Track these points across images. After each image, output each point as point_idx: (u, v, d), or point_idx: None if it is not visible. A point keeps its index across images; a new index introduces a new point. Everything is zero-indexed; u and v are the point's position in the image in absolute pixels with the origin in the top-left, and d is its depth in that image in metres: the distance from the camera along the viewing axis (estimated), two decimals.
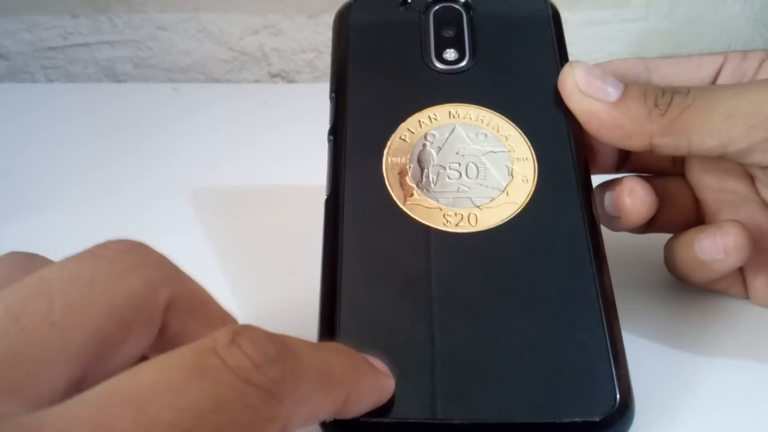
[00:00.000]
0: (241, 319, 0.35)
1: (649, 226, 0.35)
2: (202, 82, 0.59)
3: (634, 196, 0.33)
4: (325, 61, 0.56)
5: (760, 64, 0.35)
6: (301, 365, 0.21)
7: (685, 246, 0.33)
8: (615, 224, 0.34)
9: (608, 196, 0.34)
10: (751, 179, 0.34)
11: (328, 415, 0.23)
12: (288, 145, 0.48)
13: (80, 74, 0.58)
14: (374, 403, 0.25)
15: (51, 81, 0.59)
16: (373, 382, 0.25)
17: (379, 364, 0.26)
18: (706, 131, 0.31)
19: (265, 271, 0.38)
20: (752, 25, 0.56)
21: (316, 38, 0.57)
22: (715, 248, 0.32)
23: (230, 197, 0.44)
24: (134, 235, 0.40)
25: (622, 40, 0.56)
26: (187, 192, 0.44)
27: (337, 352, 0.23)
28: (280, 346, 0.20)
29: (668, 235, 0.35)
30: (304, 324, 0.29)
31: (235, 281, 0.38)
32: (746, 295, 0.35)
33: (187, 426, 0.18)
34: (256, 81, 0.59)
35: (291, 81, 0.59)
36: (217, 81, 0.59)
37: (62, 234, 0.41)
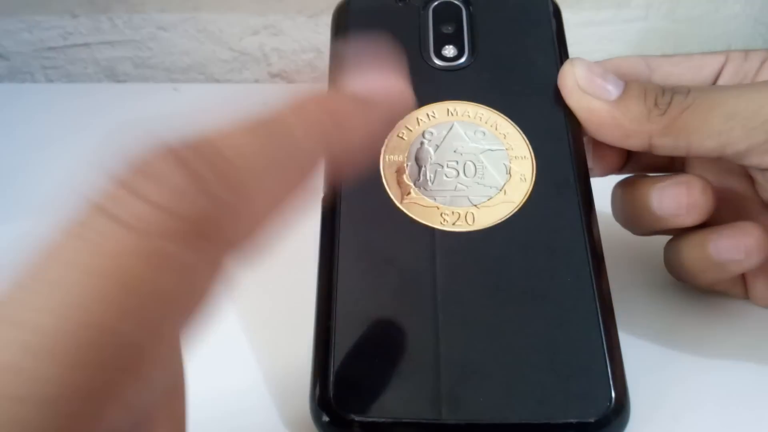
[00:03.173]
0: (241, 318, 0.35)
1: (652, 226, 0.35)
2: (202, 82, 0.59)
3: (707, 194, 0.32)
4: (325, 61, 0.56)
5: (762, 64, 0.35)
6: (238, 172, 0.17)
7: (696, 246, 0.33)
8: (656, 224, 0.33)
9: (669, 194, 0.32)
10: (751, 180, 0.34)
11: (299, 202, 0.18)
12: None
13: (80, 74, 0.58)
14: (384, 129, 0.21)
15: (51, 81, 0.59)
16: (364, 115, 0.20)
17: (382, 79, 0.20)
18: (706, 132, 0.31)
19: (264, 270, 0.38)
20: (752, 25, 0.56)
21: (316, 38, 0.56)
22: (735, 249, 0.31)
23: None
24: None
25: (622, 40, 0.56)
26: None
27: (299, 112, 0.18)
28: (197, 162, 0.16)
29: (665, 237, 0.35)
30: (304, 324, 0.29)
31: (235, 281, 0.38)
32: (746, 296, 0.35)
33: (97, 321, 0.14)
34: (256, 81, 0.59)
35: (291, 81, 0.59)
36: (217, 81, 0.59)
37: None
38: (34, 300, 0.14)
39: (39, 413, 0.13)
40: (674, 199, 0.32)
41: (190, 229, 0.15)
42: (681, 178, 0.32)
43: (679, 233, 0.34)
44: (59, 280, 0.14)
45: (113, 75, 0.59)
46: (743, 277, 0.34)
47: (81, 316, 0.14)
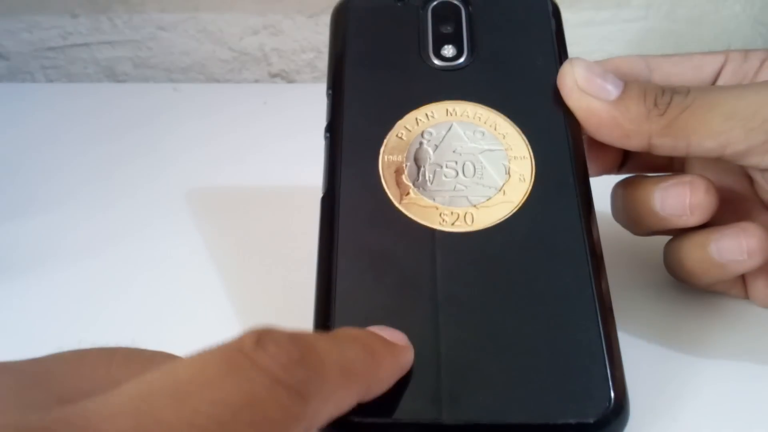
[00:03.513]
0: (241, 318, 0.35)
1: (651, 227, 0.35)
2: (202, 82, 0.59)
3: (710, 194, 0.32)
4: (325, 61, 0.56)
5: (761, 64, 0.35)
6: (324, 364, 0.21)
7: (697, 247, 0.33)
8: (658, 225, 0.33)
9: (672, 195, 0.32)
10: (750, 180, 0.34)
11: (351, 406, 0.23)
12: (288, 145, 0.48)
13: (80, 74, 0.58)
14: (396, 380, 0.26)
15: (51, 81, 0.59)
16: (392, 364, 0.25)
17: (395, 336, 0.26)
18: (705, 132, 0.31)
19: (264, 270, 0.38)
20: (752, 25, 0.56)
21: (316, 38, 0.56)
22: (737, 249, 0.31)
23: (230, 197, 0.44)
24: (134, 235, 0.40)
25: (622, 40, 0.56)
26: (187, 192, 0.44)
27: (354, 342, 0.24)
28: (302, 345, 0.21)
29: (665, 237, 0.35)
30: (303, 324, 0.29)
31: (235, 281, 0.38)
32: (746, 296, 0.35)
33: (225, 419, 0.18)
34: (256, 81, 0.59)
35: (291, 81, 0.59)
36: (217, 81, 0.59)
37: (62, 234, 0.41)
38: (191, 373, 0.19)
39: None
40: (678, 200, 0.32)
41: (295, 386, 0.20)
42: (684, 178, 0.32)
43: (680, 233, 0.34)
44: (208, 387, 0.19)
45: (113, 75, 0.59)
46: (743, 277, 0.34)
47: (220, 418, 0.18)
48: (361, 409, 0.26)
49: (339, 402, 0.22)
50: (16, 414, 0.18)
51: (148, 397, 0.18)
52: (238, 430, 0.18)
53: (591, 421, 0.26)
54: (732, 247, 0.31)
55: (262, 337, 0.20)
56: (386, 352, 0.25)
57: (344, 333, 0.24)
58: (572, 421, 0.26)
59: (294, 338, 0.21)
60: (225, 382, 0.19)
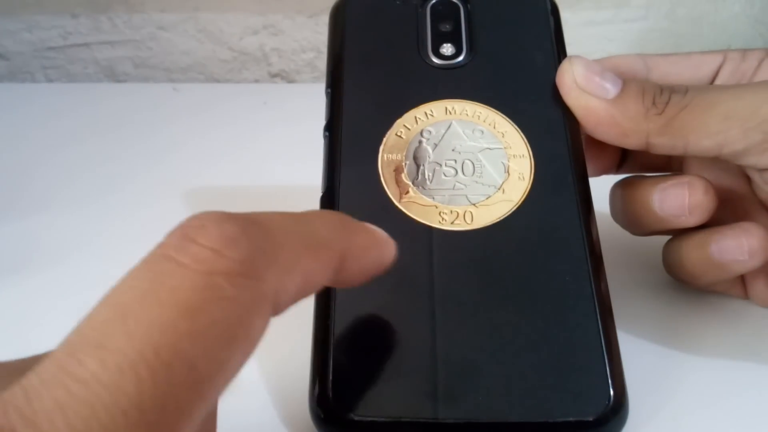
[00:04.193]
0: None
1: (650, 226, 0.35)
2: (202, 82, 0.59)
3: (709, 194, 0.32)
4: (325, 61, 0.56)
5: (759, 64, 0.35)
6: (274, 234, 0.19)
7: (697, 247, 0.33)
8: (657, 225, 0.33)
9: (671, 195, 0.32)
10: (748, 179, 0.34)
11: (326, 280, 0.21)
12: (288, 145, 0.48)
13: (80, 74, 0.58)
14: (376, 263, 0.24)
15: (51, 81, 0.59)
16: (368, 239, 0.23)
17: (377, 228, 0.24)
18: (703, 132, 0.31)
19: None
20: (752, 25, 0.56)
21: (316, 38, 0.57)
22: (738, 249, 0.31)
23: (230, 197, 0.44)
24: (134, 236, 0.40)
25: (622, 40, 0.56)
26: (187, 191, 0.44)
27: (321, 215, 0.22)
28: (242, 222, 0.19)
29: (664, 237, 0.35)
30: (302, 323, 0.29)
31: None
32: (746, 296, 0.35)
33: (173, 340, 0.16)
34: (256, 81, 0.59)
35: (291, 81, 0.59)
36: (217, 81, 0.59)
37: (62, 234, 0.41)
38: (116, 327, 0.17)
39: (123, 420, 0.16)
40: (676, 200, 0.32)
41: (237, 268, 0.18)
42: (683, 179, 0.32)
43: (679, 233, 0.34)
44: (135, 311, 0.17)
45: (113, 75, 0.59)
46: (742, 277, 0.34)
47: (154, 339, 0.16)
48: (360, 407, 0.26)
49: (307, 273, 0.20)
50: None
51: (72, 352, 0.17)
52: (198, 342, 0.17)
53: (590, 419, 0.26)
54: (733, 247, 0.31)
55: (188, 231, 0.18)
56: (360, 227, 0.23)
57: (309, 211, 0.22)
58: (571, 419, 0.26)
59: (231, 217, 0.19)
60: (150, 301, 0.17)
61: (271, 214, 0.20)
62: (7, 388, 0.16)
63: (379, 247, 0.24)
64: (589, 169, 0.33)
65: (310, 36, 0.57)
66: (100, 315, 0.17)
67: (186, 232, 0.18)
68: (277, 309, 0.20)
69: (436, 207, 0.31)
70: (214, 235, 0.18)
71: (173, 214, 0.42)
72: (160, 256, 0.18)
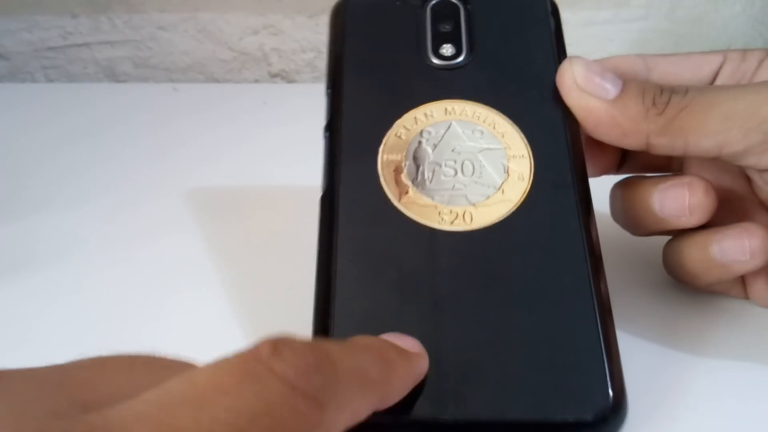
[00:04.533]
0: (240, 318, 0.35)
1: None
2: (202, 82, 0.59)
3: (709, 195, 0.32)
4: (324, 61, 0.56)
5: (759, 64, 0.35)
6: (339, 371, 0.21)
7: (698, 247, 0.33)
8: (657, 225, 0.33)
9: (671, 196, 0.32)
10: (748, 180, 0.34)
11: (366, 415, 0.23)
12: (288, 145, 0.48)
13: (80, 74, 0.59)
14: (411, 387, 0.25)
15: (51, 81, 0.59)
16: (407, 372, 0.25)
17: (409, 343, 0.26)
18: (703, 132, 0.31)
19: (264, 270, 0.38)
20: (752, 25, 0.56)
21: (316, 38, 0.57)
22: (740, 250, 0.31)
23: (230, 197, 0.44)
24: (134, 236, 0.40)
25: (622, 40, 0.56)
26: (187, 191, 0.44)
27: (368, 350, 0.24)
28: (318, 353, 0.21)
29: (664, 237, 0.35)
30: (303, 323, 0.29)
31: (234, 280, 0.38)
32: (746, 296, 0.35)
33: (243, 427, 0.18)
34: (256, 81, 0.59)
35: (291, 81, 0.59)
36: (217, 81, 0.59)
37: (61, 234, 0.41)
38: (214, 397, 0.18)
39: None
40: (676, 201, 0.32)
41: (312, 393, 0.20)
42: (683, 179, 0.32)
43: (679, 234, 0.34)
44: (233, 392, 0.19)
45: (113, 75, 0.59)
46: (742, 277, 0.34)
47: (237, 424, 0.18)
48: None
49: (355, 410, 0.22)
50: (38, 421, 0.18)
51: (168, 405, 0.18)
52: None
53: (589, 418, 0.26)
54: (734, 248, 0.31)
55: (279, 345, 0.20)
56: (401, 360, 0.25)
57: (359, 341, 0.24)
58: (570, 418, 0.26)
59: (310, 346, 0.21)
60: (242, 390, 0.19)
61: (333, 347, 0.22)
62: (78, 411, 0.18)
63: (415, 376, 0.26)
64: (589, 169, 0.33)
65: (310, 36, 0.57)
66: (198, 382, 0.19)
67: (277, 347, 0.20)
68: None
69: (436, 207, 0.31)
70: (300, 359, 0.20)
71: (173, 214, 0.42)
72: (253, 358, 0.20)
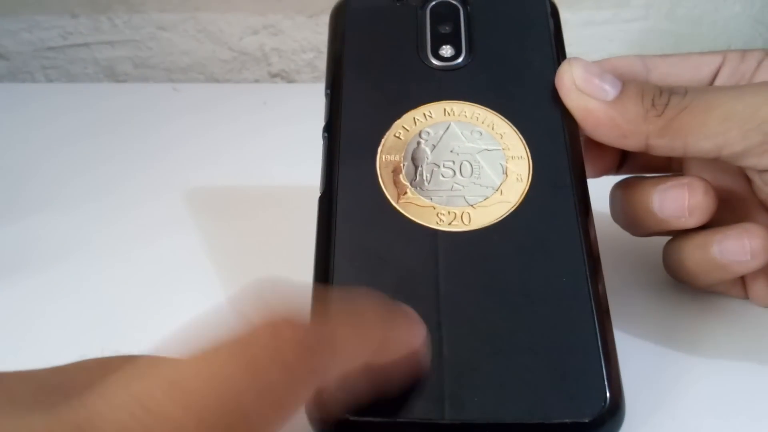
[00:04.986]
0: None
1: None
2: (202, 82, 0.59)
3: (709, 196, 0.32)
4: (324, 62, 0.56)
5: (759, 64, 0.35)
6: (331, 309, 0.21)
7: (699, 248, 0.33)
8: (657, 226, 0.33)
9: (670, 196, 0.32)
10: (748, 180, 0.34)
11: (362, 360, 0.23)
12: (288, 145, 0.48)
13: (80, 74, 0.59)
14: (407, 348, 0.25)
15: (51, 81, 0.59)
16: (405, 325, 0.25)
17: (410, 311, 0.26)
18: (702, 133, 0.31)
19: (262, 270, 0.38)
20: (752, 25, 0.56)
21: (316, 38, 0.57)
22: (740, 250, 0.31)
23: (230, 197, 0.44)
24: (134, 236, 0.40)
25: (622, 40, 0.56)
26: (187, 192, 0.44)
27: (368, 296, 0.24)
28: (319, 334, 0.21)
29: (664, 237, 0.35)
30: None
31: (232, 280, 0.38)
32: (745, 296, 0.35)
33: (229, 393, 0.19)
34: (256, 81, 0.59)
35: (291, 81, 0.59)
36: (217, 81, 0.59)
37: (61, 234, 0.41)
38: (190, 369, 0.19)
39: None
40: (676, 202, 0.32)
41: (303, 341, 0.20)
42: (682, 180, 0.32)
43: (679, 234, 0.34)
44: (210, 359, 0.19)
45: (113, 75, 0.59)
46: (742, 278, 0.34)
47: (221, 388, 0.19)
48: (357, 408, 0.26)
49: (351, 352, 0.22)
50: (19, 416, 0.18)
51: (151, 391, 0.18)
52: (256, 398, 0.19)
53: (586, 420, 0.26)
54: (735, 248, 0.31)
55: (279, 328, 0.20)
56: (401, 312, 0.25)
57: (358, 289, 0.25)
58: (568, 420, 0.26)
59: (312, 330, 0.21)
60: (239, 379, 0.19)
61: (337, 314, 0.22)
62: (57, 404, 0.18)
63: (413, 334, 0.26)
64: (589, 170, 0.33)
65: (310, 36, 0.57)
66: (178, 353, 0.19)
67: (277, 329, 0.20)
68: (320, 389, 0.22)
69: (434, 208, 0.31)
70: (302, 343, 0.20)
71: (173, 214, 0.42)
72: (253, 343, 0.20)
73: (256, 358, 0.19)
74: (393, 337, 0.24)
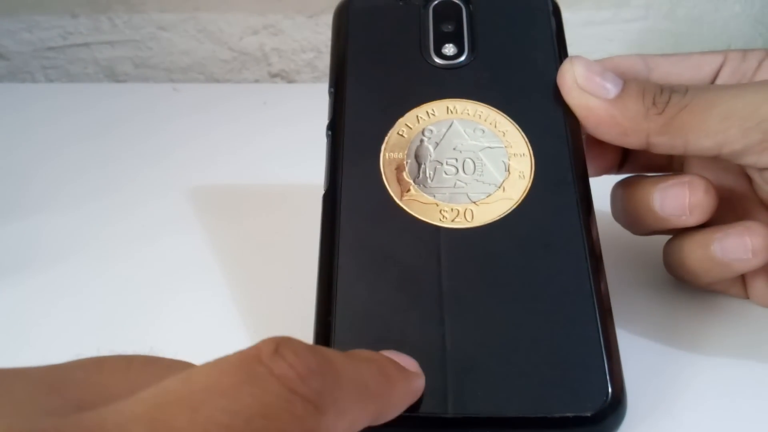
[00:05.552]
0: (242, 316, 0.35)
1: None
2: (202, 82, 0.59)
3: (709, 194, 0.32)
4: (325, 61, 0.56)
5: (760, 64, 0.35)
6: (340, 378, 0.21)
7: (700, 246, 0.33)
8: (657, 224, 0.33)
9: (671, 195, 0.32)
10: (749, 179, 0.34)
11: (364, 426, 0.23)
12: (288, 145, 0.48)
13: (80, 74, 0.59)
14: (407, 405, 0.25)
15: (51, 81, 0.59)
16: (405, 389, 0.25)
17: (408, 362, 0.26)
18: (703, 132, 0.31)
19: (265, 270, 0.38)
20: (752, 25, 0.56)
21: (316, 38, 0.57)
22: (742, 248, 0.31)
23: (230, 197, 0.44)
24: (134, 236, 0.40)
25: (622, 40, 0.56)
26: (187, 191, 0.44)
27: (369, 363, 0.24)
28: (320, 358, 0.20)
29: (665, 236, 0.35)
30: (304, 323, 0.29)
31: (235, 281, 0.38)
32: (746, 296, 0.35)
33: (239, 428, 0.18)
34: (256, 81, 0.59)
35: (291, 81, 0.59)
36: (217, 81, 0.59)
37: (62, 234, 0.41)
38: (209, 396, 0.18)
39: None
40: (676, 200, 0.32)
41: (311, 397, 0.20)
42: (683, 179, 0.32)
43: (680, 233, 0.34)
44: (229, 393, 0.19)
45: (113, 75, 0.59)
46: (742, 277, 0.34)
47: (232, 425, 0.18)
48: None
49: (353, 420, 0.22)
50: (31, 420, 0.18)
51: (163, 404, 0.18)
52: None
53: (588, 414, 0.26)
54: (736, 246, 0.31)
55: (281, 346, 0.20)
56: (400, 376, 0.25)
57: (360, 353, 0.24)
58: (569, 414, 0.26)
59: (312, 349, 0.21)
60: (240, 390, 0.19)
61: (335, 354, 0.22)
62: (73, 411, 0.18)
63: (412, 395, 0.26)
64: (590, 168, 0.33)
65: (310, 36, 0.57)
66: (195, 382, 0.19)
67: (279, 348, 0.20)
68: None
69: (437, 205, 0.31)
70: (302, 362, 0.20)
71: (173, 214, 0.42)
72: (254, 358, 0.19)
73: (266, 396, 0.19)
74: (395, 401, 0.24)
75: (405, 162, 0.32)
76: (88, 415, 0.18)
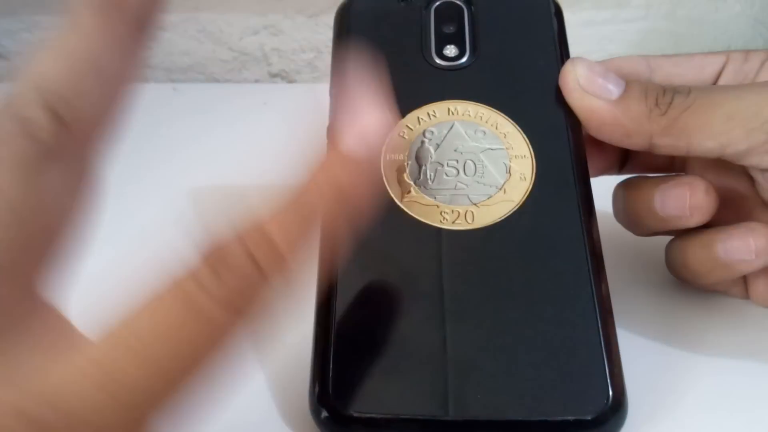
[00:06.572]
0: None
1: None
2: (202, 82, 0.59)
3: (710, 195, 0.32)
4: (325, 61, 0.56)
5: (762, 65, 0.35)
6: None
7: (702, 247, 0.33)
8: (659, 225, 0.33)
9: (672, 196, 0.32)
10: (751, 180, 0.34)
11: None
12: (288, 145, 0.48)
13: None
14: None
15: None
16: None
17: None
18: (706, 133, 0.31)
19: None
20: (752, 25, 0.56)
21: (316, 38, 0.56)
22: (745, 249, 0.31)
23: (230, 197, 0.44)
24: (133, 236, 0.40)
25: (622, 40, 0.56)
26: (187, 192, 0.44)
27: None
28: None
29: (667, 237, 0.35)
30: (304, 320, 0.29)
31: None
32: (746, 296, 0.35)
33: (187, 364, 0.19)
34: (256, 81, 0.59)
35: (291, 81, 0.59)
36: (217, 81, 0.59)
37: None
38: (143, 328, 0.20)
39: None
40: (677, 201, 0.32)
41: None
42: (684, 179, 0.32)
43: (682, 233, 0.34)
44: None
45: None
46: (744, 277, 0.34)
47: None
48: (360, 404, 0.26)
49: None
50: None
51: (111, 354, 0.19)
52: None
53: (589, 417, 0.26)
54: (740, 247, 0.31)
55: (216, 264, 0.21)
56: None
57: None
58: (570, 417, 0.26)
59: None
60: (183, 328, 0.20)
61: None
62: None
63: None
64: (592, 169, 0.33)
65: (310, 36, 0.56)
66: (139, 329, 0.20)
67: (215, 267, 0.21)
68: None
69: (438, 207, 0.31)
70: (237, 283, 0.21)
71: (173, 214, 0.42)
72: (189, 287, 0.21)
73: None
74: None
75: (406, 163, 0.32)
76: (39, 385, 0.19)
